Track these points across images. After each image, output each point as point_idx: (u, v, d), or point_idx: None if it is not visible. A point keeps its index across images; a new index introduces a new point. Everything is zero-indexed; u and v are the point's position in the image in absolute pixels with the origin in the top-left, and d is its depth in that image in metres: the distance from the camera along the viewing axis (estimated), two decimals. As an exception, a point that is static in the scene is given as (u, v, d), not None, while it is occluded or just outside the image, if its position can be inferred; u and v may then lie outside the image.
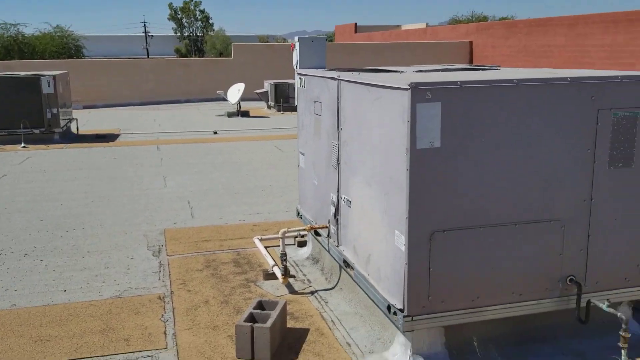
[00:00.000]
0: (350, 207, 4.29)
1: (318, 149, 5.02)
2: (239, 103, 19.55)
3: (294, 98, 22.37)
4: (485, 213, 3.44)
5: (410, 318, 3.40)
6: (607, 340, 3.71)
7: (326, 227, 4.81)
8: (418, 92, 3.20)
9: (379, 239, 3.75)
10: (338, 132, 4.45)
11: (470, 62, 31.15)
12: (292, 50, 5.70)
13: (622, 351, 3.32)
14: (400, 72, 4.61)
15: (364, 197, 4.00)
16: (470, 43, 31.64)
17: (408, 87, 3.20)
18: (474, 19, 48.74)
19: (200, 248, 5.96)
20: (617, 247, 3.69)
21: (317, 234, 5.15)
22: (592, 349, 3.68)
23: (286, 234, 5.03)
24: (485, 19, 48.27)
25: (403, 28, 50.28)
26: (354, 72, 4.51)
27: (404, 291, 3.41)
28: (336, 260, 4.64)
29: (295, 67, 5.67)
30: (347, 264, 4.36)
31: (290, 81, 22.88)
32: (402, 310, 3.43)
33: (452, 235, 3.40)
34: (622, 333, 3.30)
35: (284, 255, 4.87)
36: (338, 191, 4.53)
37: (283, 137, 14.36)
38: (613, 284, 3.73)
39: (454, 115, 3.28)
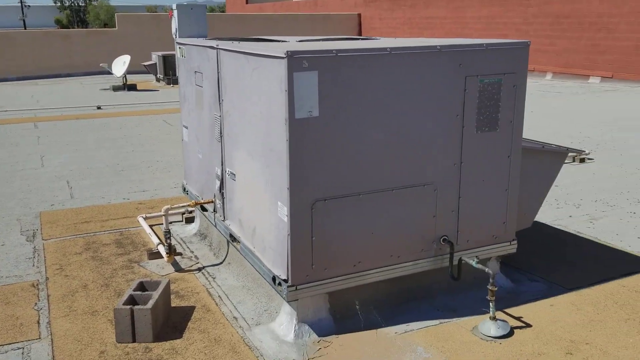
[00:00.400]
0: (234, 180, 4.23)
1: (201, 121, 4.88)
2: (125, 76, 18.65)
3: (183, 71, 21.68)
4: (363, 180, 3.51)
5: (294, 287, 3.43)
6: (479, 294, 3.96)
7: (212, 201, 4.73)
8: (295, 60, 3.18)
9: (263, 211, 3.73)
10: (220, 104, 4.35)
11: (359, 34, 31.67)
12: (171, 18, 5.43)
13: (490, 304, 3.56)
14: (283, 41, 4.57)
15: (247, 169, 3.95)
16: (359, 15, 32.12)
17: (284, 56, 3.17)
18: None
19: (79, 230, 5.65)
20: (484, 207, 3.93)
21: (203, 209, 5.05)
22: (464, 303, 3.92)
23: (170, 211, 4.89)
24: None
25: (294, 0, 50.06)
26: (234, 41, 4.41)
27: (287, 262, 3.43)
28: (223, 235, 4.58)
29: (174, 37, 5.42)
30: (233, 238, 4.32)
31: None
32: (286, 281, 3.45)
33: (332, 203, 3.45)
34: (489, 287, 3.54)
35: (167, 233, 4.73)
36: (222, 164, 4.45)
37: (172, 110, 13.90)
38: (482, 242, 3.98)
39: (330, 84, 3.30)
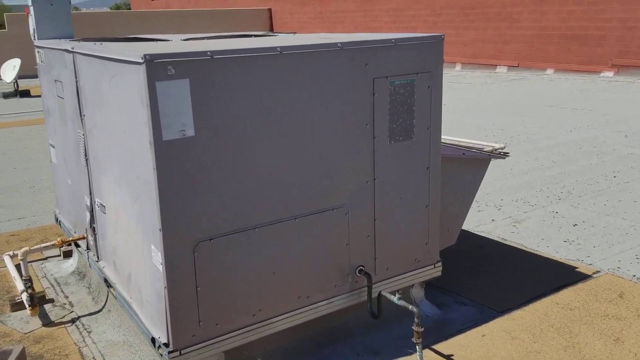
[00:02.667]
0: (105, 213, 3.46)
1: (66, 140, 4.06)
2: (16, 82, 16.99)
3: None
4: (258, 210, 2.86)
5: (177, 353, 2.73)
6: (403, 329, 3.43)
7: (83, 237, 3.92)
8: (156, 66, 2.47)
9: (137, 255, 3.00)
10: (82, 119, 3.56)
11: (271, 29, 30.93)
12: (27, 16, 4.53)
13: (417, 346, 3.02)
14: (163, 40, 3.83)
15: (116, 201, 3.20)
16: (270, 10, 31.35)
17: (142, 61, 2.46)
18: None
19: None
20: (404, 228, 3.38)
21: (77, 244, 4.23)
22: (387, 342, 3.37)
23: (29, 253, 4.02)
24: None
25: (201, -5, 48.55)
26: (97, 42, 3.62)
27: (166, 321, 2.72)
28: (99, 278, 3.80)
29: (32, 38, 4.53)
30: (108, 283, 3.55)
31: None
32: (167, 345, 2.74)
33: (221, 242, 2.78)
34: (414, 328, 2.99)
35: (28, 282, 3.87)
36: (90, 193, 3.66)
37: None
38: (403, 268, 3.44)
39: (207, 94, 2.62)
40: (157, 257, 2.70)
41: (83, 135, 3.58)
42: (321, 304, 3.16)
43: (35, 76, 20.43)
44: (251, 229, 2.86)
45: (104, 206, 3.45)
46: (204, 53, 2.58)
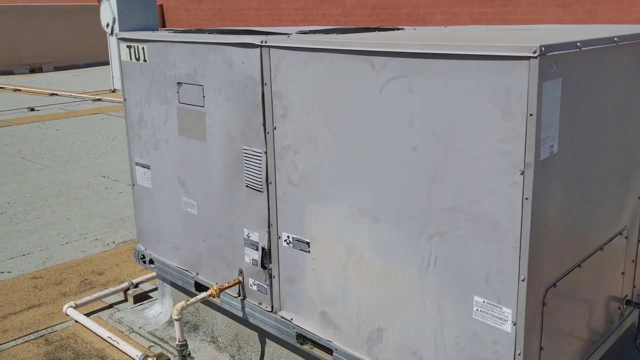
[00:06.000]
0: (306, 251, 2.68)
1: (197, 158, 3.17)
2: None
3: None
4: (587, 241, 2.32)
5: None
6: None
7: (239, 282, 3.07)
8: (546, 61, 1.85)
9: (412, 308, 2.31)
10: (265, 133, 2.74)
11: (164, 25, 29.18)
12: (99, 2, 3.50)
13: None
14: (285, 34, 3.08)
15: (350, 237, 2.46)
16: (161, 6, 29.56)
17: (534, 54, 1.82)
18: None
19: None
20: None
21: (200, 288, 3.34)
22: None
23: (185, 307, 3.09)
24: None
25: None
26: (280, 34, 2.80)
27: (518, 394, 2.09)
28: (274, 333, 2.96)
29: (107, 29, 3.51)
30: (303, 338, 2.78)
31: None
32: None
33: (562, 286, 2.19)
34: None
35: (183, 348, 2.95)
36: (269, 226, 2.84)
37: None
38: (650, 292, 3.06)
39: (572, 97, 2.04)
40: (494, 313, 2.05)
41: (264, 153, 2.76)
42: (602, 344, 2.68)
43: None
44: (577, 267, 2.31)
45: (306, 243, 2.68)
46: (572, 44, 2.00)
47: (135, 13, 3.37)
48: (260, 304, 2.99)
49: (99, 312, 3.90)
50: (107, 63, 25.91)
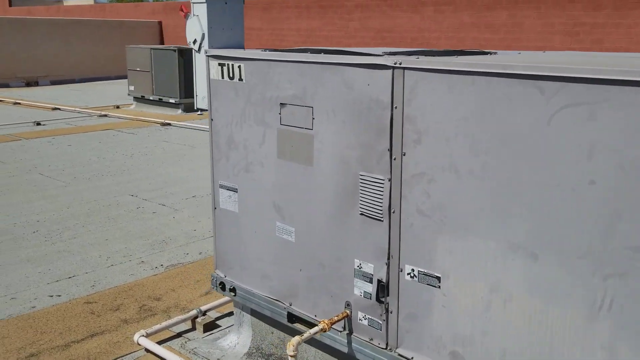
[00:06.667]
0: (437, 287, 2.52)
1: (299, 182, 3.00)
2: None
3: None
4: None
5: None
6: None
7: (346, 316, 2.89)
8: None
9: (578, 358, 2.15)
10: (391, 160, 2.59)
11: (162, 42, 29.06)
12: (185, 18, 3.35)
13: None
14: (409, 53, 2.95)
15: (513, 274, 2.30)
16: (160, 23, 29.48)
17: None
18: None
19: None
20: None
21: (292, 319, 3.15)
22: None
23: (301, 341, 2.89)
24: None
25: (66, 3, 44.77)
26: (421, 56, 2.66)
27: None
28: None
29: (194, 45, 3.35)
30: (423, 377, 2.60)
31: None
32: None
33: None
34: None
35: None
36: (389, 257, 2.68)
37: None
38: None
39: None
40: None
41: (388, 180, 2.60)
42: None
43: None
44: None
45: (436, 277, 2.51)
46: None
47: (224, 30, 3.23)
48: (372, 339, 2.81)
49: (169, 341, 3.68)
50: (101, 78, 25.74)
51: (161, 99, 15.05)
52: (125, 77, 26.31)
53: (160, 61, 14.93)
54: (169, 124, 12.95)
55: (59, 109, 15.54)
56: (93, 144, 10.66)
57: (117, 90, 20.76)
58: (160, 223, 6.12)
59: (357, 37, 22.52)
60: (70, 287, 4.54)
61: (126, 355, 3.53)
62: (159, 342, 3.65)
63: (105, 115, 14.32)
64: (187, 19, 3.28)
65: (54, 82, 24.61)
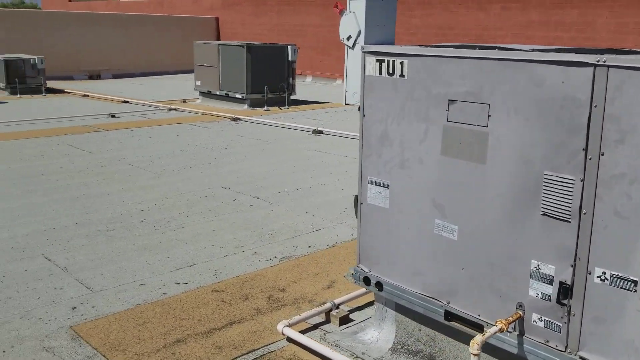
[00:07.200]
0: (634, 291, 2.45)
1: (466, 180, 2.96)
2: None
3: (33, 77, 17.68)
4: None
5: None
6: None
7: (519, 317, 2.84)
8: None
9: None
10: (585, 159, 2.53)
11: (218, 38, 29.44)
12: (340, 13, 3.37)
13: None
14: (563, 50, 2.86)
15: None
16: (217, 19, 29.87)
17: None
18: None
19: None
20: None
21: (447, 316, 3.12)
22: None
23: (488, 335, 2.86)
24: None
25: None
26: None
27: None
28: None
29: (348, 42, 3.36)
30: (610, 383, 2.54)
31: (25, 56, 17.95)
32: None
33: None
34: None
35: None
36: (575, 259, 2.62)
37: (48, 132, 10.91)
38: None
39: None
40: None
41: (580, 180, 2.55)
42: None
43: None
44: None
45: (633, 281, 2.44)
46: None
47: (379, 27, 3.26)
48: (548, 341, 2.75)
49: (307, 333, 3.71)
50: (159, 73, 26.25)
51: (227, 94, 15.25)
52: (183, 72, 26.88)
53: (228, 57, 15.12)
54: (239, 119, 13.10)
55: (128, 102, 15.90)
56: (171, 137, 10.86)
57: (179, 85, 21.15)
58: (260, 216, 6.18)
59: (418, 34, 22.32)
60: (194, 275, 4.62)
61: (270, 344, 3.57)
62: (301, 333, 3.68)
63: (175, 109, 14.58)
64: (342, 15, 3.30)
65: (116, 76, 25.23)
